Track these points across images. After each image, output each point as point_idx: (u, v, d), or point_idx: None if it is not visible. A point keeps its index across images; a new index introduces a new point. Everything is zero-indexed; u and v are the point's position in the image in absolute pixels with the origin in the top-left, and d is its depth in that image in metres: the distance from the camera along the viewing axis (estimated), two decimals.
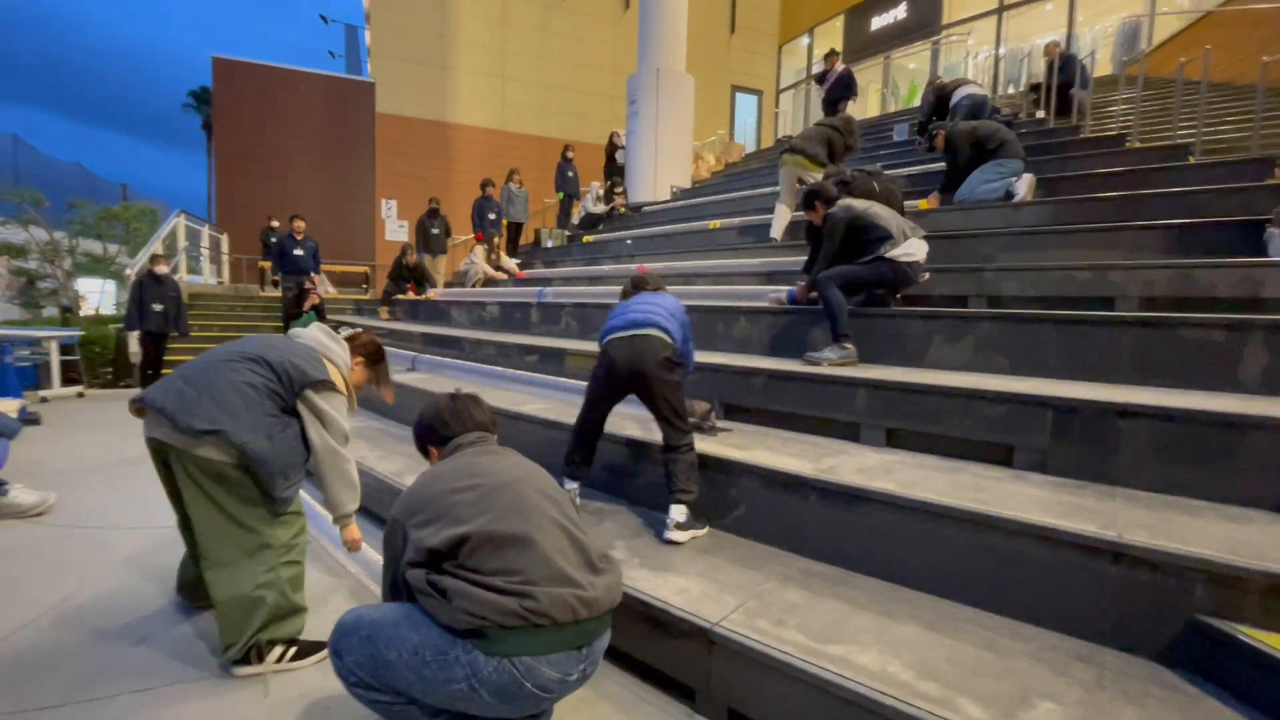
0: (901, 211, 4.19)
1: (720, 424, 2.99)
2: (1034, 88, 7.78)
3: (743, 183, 9.98)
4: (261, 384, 1.93)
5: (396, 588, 1.51)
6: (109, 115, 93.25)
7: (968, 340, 2.90)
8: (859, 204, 3.46)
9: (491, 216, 9.89)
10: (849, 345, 3.07)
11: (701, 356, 3.33)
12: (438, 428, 1.77)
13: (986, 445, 2.34)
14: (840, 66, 9.16)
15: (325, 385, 2.01)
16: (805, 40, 16.65)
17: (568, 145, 11.26)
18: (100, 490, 3.78)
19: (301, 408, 1.99)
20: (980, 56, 12.09)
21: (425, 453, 1.84)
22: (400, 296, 8.25)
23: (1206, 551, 1.50)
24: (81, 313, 9.37)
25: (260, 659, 1.92)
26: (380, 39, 13.54)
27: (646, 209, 9.92)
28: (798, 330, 3.53)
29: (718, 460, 2.40)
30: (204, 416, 1.81)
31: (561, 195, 11.19)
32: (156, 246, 7.97)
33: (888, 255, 3.23)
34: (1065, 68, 7.03)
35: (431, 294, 8.30)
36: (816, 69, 16.44)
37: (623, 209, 10.29)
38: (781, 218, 5.80)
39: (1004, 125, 5.23)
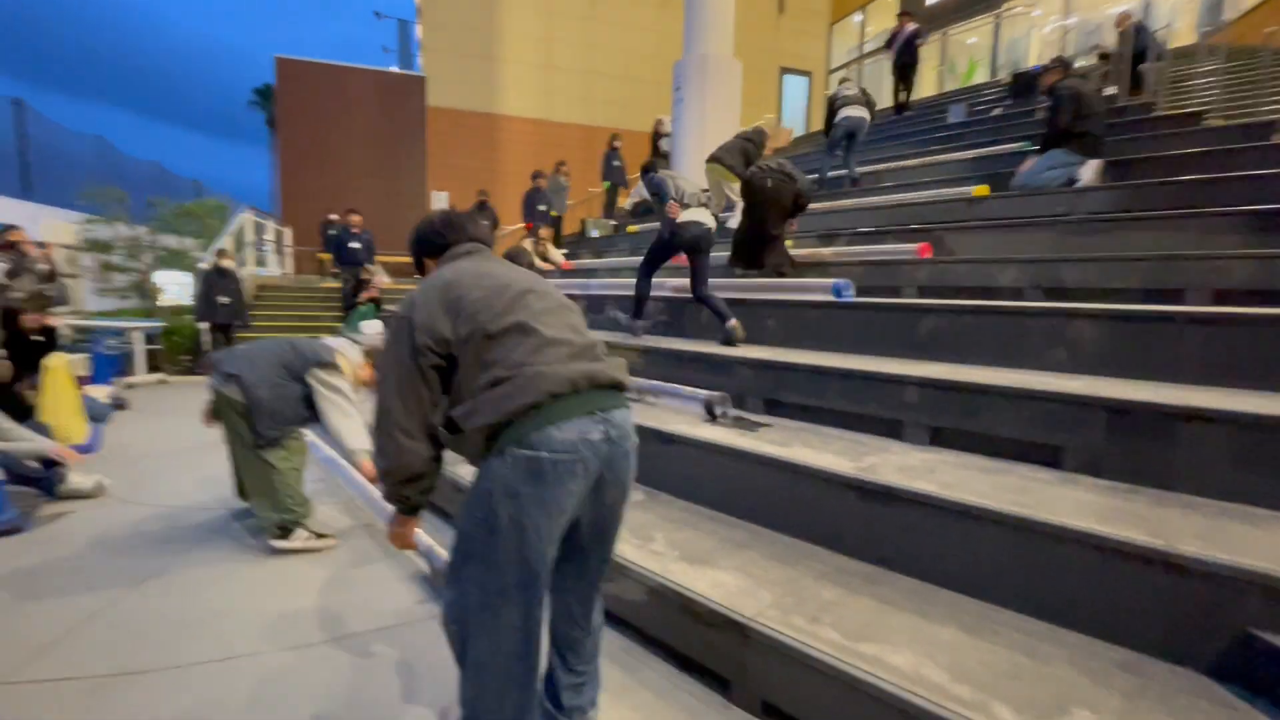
0: (787, 211, 4.72)
1: (759, 419, 3.01)
2: (1103, 56, 7.32)
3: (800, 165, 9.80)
4: (278, 355, 2.90)
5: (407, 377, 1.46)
6: (179, 113, 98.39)
7: (1021, 336, 2.82)
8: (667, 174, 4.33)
9: (541, 208, 10.04)
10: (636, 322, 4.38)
11: (739, 350, 3.35)
12: (432, 237, 1.73)
13: (1035, 446, 2.28)
14: (910, 26, 8.91)
15: (330, 366, 2.92)
16: (858, 18, 16.09)
17: (615, 134, 11.28)
18: (176, 472, 4.08)
19: (310, 379, 2.89)
20: (1047, 29, 11.43)
21: (420, 266, 1.80)
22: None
23: (1262, 564, 1.45)
24: (159, 302, 10.04)
25: (288, 537, 2.85)
26: (431, 34, 13.83)
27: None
28: (839, 325, 3.50)
29: (757, 456, 2.43)
30: (233, 366, 2.82)
31: (608, 185, 11.24)
32: (224, 242, 8.45)
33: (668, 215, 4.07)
34: (1137, 38, 6.61)
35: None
36: (870, 47, 15.92)
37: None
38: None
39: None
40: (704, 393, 3.12)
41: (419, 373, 1.44)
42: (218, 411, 2.90)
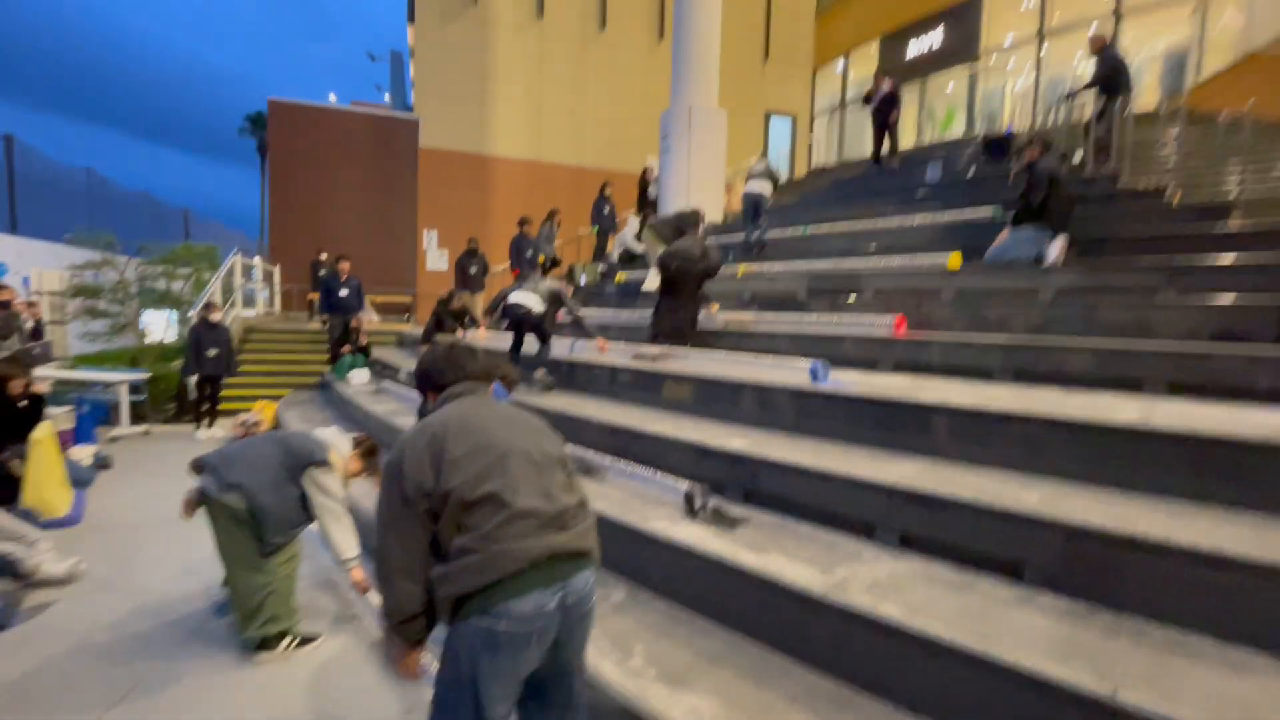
0: (693, 288, 5.65)
1: (738, 512, 3.10)
2: (1070, 95, 7.49)
3: (773, 219, 10.04)
4: (275, 457, 2.84)
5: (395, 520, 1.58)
6: (172, 135, 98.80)
7: (989, 434, 2.94)
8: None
9: (529, 254, 10.20)
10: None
11: (719, 440, 3.44)
12: (434, 375, 1.90)
13: (997, 558, 2.39)
14: (886, 85, 9.25)
15: (324, 465, 2.86)
16: (840, 65, 16.62)
17: (606, 181, 11.50)
18: (158, 549, 4.06)
19: (305, 483, 2.84)
20: (1018, 85, 11.90)
21: (424, 395, 1.97)
22: (440, 336, 8.56)
23: (1198, 717, 1.54)
24: (146, 341, 10.02)
25: (272, 649, 2.82)
26: (424, 77, 14.11)
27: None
28: (815, 410, 3.61)
29: (733, 568, 2.51)
30: (234, 474, 2.75)
31: (596, 229, 11.43)
32: (215, 293, 8.50)
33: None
34: (1103, 65, 6.63)
35: (481, 334, 8.59)
36: (852, 93, 16.42)
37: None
38: (652, 277, 7.11)
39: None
40: (685, 483, 3.21)
41: (414, 518, 1.56)
42: (201, 506, 2.80)
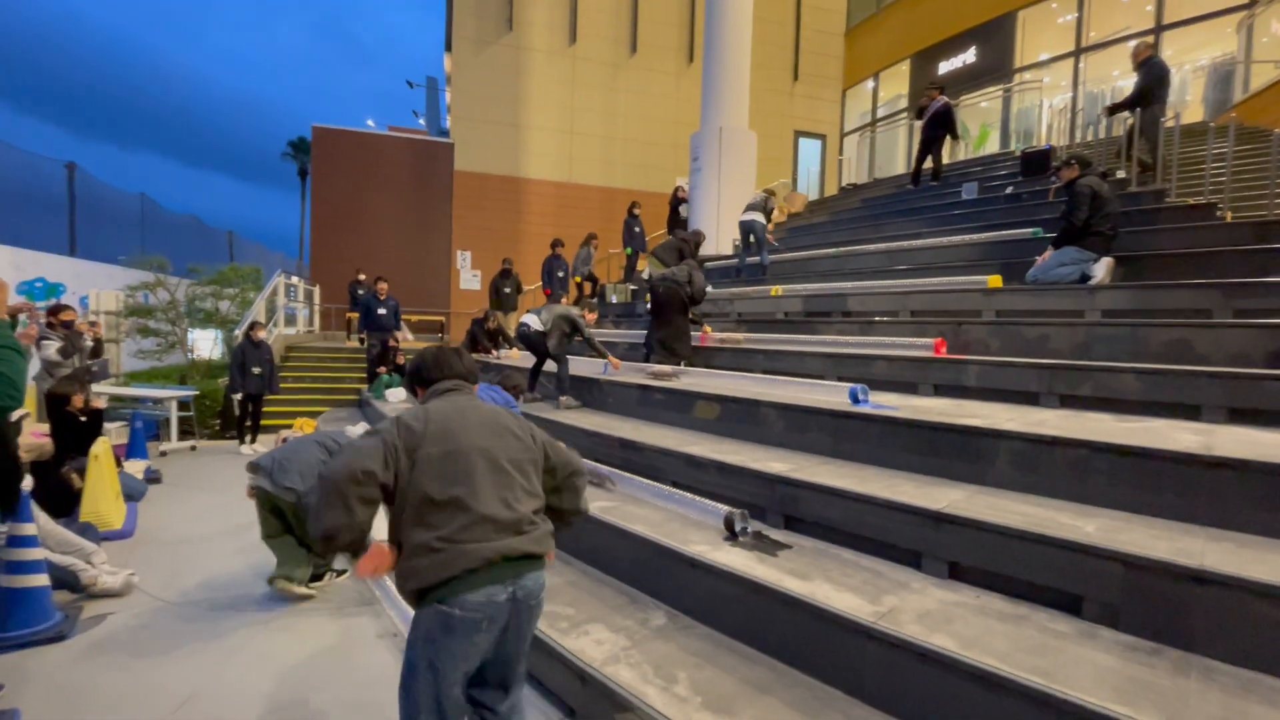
0: (679, 309, 6.06)
1: (779, 536, 3.07)
2: (1111, 110, 7.23)
3: (806, 239, 10.03)
4: (319, 460, 3.47)
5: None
6: (219, 161, 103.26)
7: (1040, 461, 2.87)
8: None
9: (560, 275, 10.33)
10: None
11: (759, 462, 3.42)
12: (423, 373, 2.07)
13: (1053, 590, 2.32)
14: (940, 100, 9.10)
15: None
16: (870, 84, 16.61)
17: (635, 201, 11.62)
18: (206, 562, 4.18)
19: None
20: (1056, 101, 11.73)
21: (413, 393, 2.13)
22: (475, 356, 8.71)
23: None
24: (193, 356, 10.39)
25: (322, 579, 3.77)
26: (459, 102, 14.51)
27: (707, 265, 10.09)
28: (854, 433, 3.57)
29: (778, 594, 2.48)
30: (287, 479, 3.47)
31: (629, 250, 11.53)
32: (259, 311, 8.80)
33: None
34: (1153, 73, 6.46)
35: (514, 353, 8.72)
36: (883, 111, 16.38)
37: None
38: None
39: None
40: (724, 508, 3.19)
41: (375, 489, 1.70)
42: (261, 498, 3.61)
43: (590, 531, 3.47)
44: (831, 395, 4.04)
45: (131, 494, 5.15)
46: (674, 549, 2.92)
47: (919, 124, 9.68)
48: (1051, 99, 11.93)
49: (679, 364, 5.87)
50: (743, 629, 2.62)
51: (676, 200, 11.77)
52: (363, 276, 11.96)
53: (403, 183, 14.44)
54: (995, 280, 5.38)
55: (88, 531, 3.92)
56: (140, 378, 9.48)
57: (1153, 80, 6.28)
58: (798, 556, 2.84)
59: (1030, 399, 3.89)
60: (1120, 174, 7.00)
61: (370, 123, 25.04)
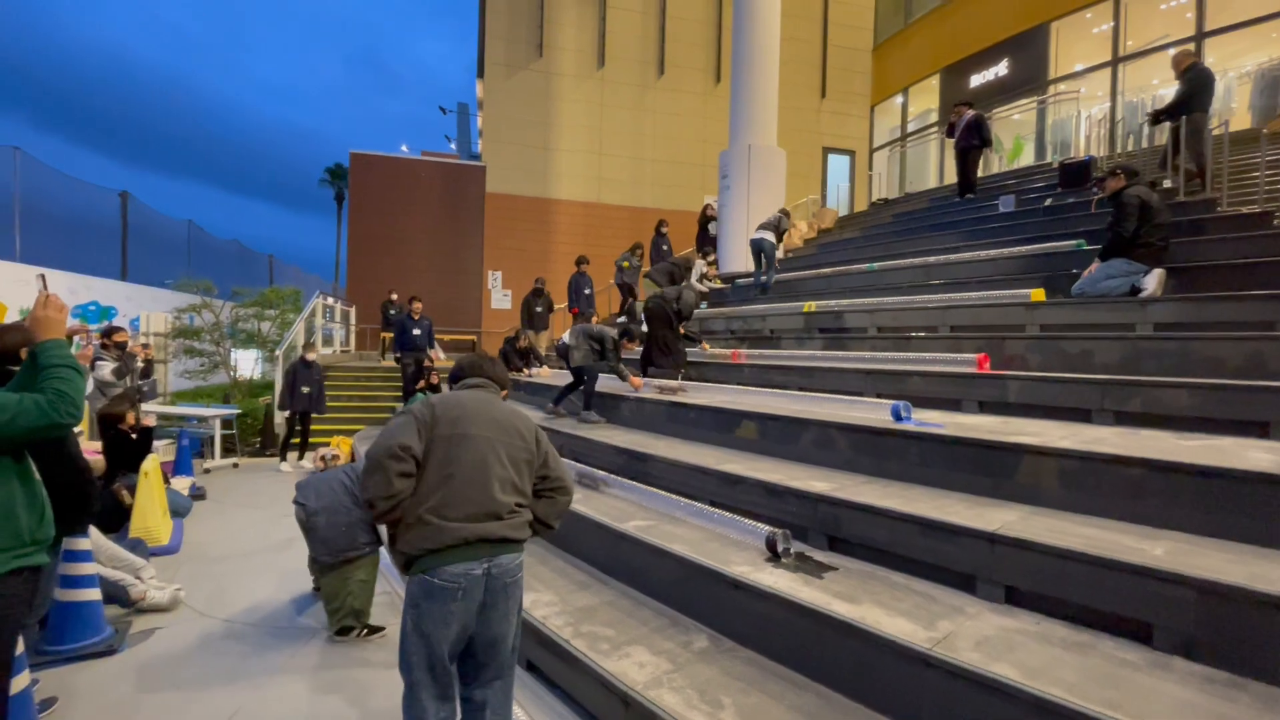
0: (669, 325, 6.45)
1: (823, 557, 2.99)
2: (1155, 118, 7.00)
3: (837, 255, 9.94)
4: (347, 489, 3.45)
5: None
6: (259, 188, 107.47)
7: (1099, 481, 2.75)
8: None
9: (586, 292, 10.40)
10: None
11: (800, 481, 3.35)
12: (459, 374, 2.36)
13: (1121, 619, 2.20)
14: (969, 114, 8.97)
15: None
16: (899, 99, 16.52)
17: (662, 220, 11.68)
18: (251, 579, 4.24)
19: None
20: (1094, 111, 11.48)
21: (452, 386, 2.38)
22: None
23: None
24: (236, 375, 10.69)
25: (347, 636, 3.40)
26: (491, 126, 14.85)
27: (739, 281, 10.07)
28: (901, 452, 3.47)
29: (826, 618, 2.40)
30: (301, 494, 3.47)
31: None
32: (300, 333, 9.04)
33: None
34: (1189, 83, 6.28)
35: (545, 371, 8.78)
36: (912, 126, 16.25)
37: (716, 281, 10.50)
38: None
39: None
40: (765, 528, 3.12)
41: (408, 462, 1.96)
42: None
43: (628, 551, 3.43)
44: (871, 412, 3.95)
45: (178, 510, 5.28)
46: (715, 569, 2.87)
47: (950, 141, 9.55)
48: (1089, 109, 11.68)
49: (674, 376, 6.27)
50: (789, 653, 2.54)
51: (705, 218, 11.81)
52: (394, 297, 12.20)
53: (435, 205, 14.77)
54: (1038, 294, 5.24)
55: (137, 547, 4.02)
56: (186, 397, 9.78)
57: (1195, 87, 6.11)
58: (844, 579, 2.76)
59: (1082, 416, 3.75)
60: (1167, 183, 6.79)
61: (404, 148, 25.79)
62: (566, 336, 6.09)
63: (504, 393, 2.39)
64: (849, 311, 6.58)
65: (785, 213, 9.26)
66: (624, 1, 15.34)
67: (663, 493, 3.98)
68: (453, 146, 28.26)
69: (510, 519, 2.03)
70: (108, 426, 4.96)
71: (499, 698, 2.10)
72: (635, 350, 6.64)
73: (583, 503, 4.00)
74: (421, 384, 8.90)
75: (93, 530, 3.58)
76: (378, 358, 12.56)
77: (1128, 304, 4.63)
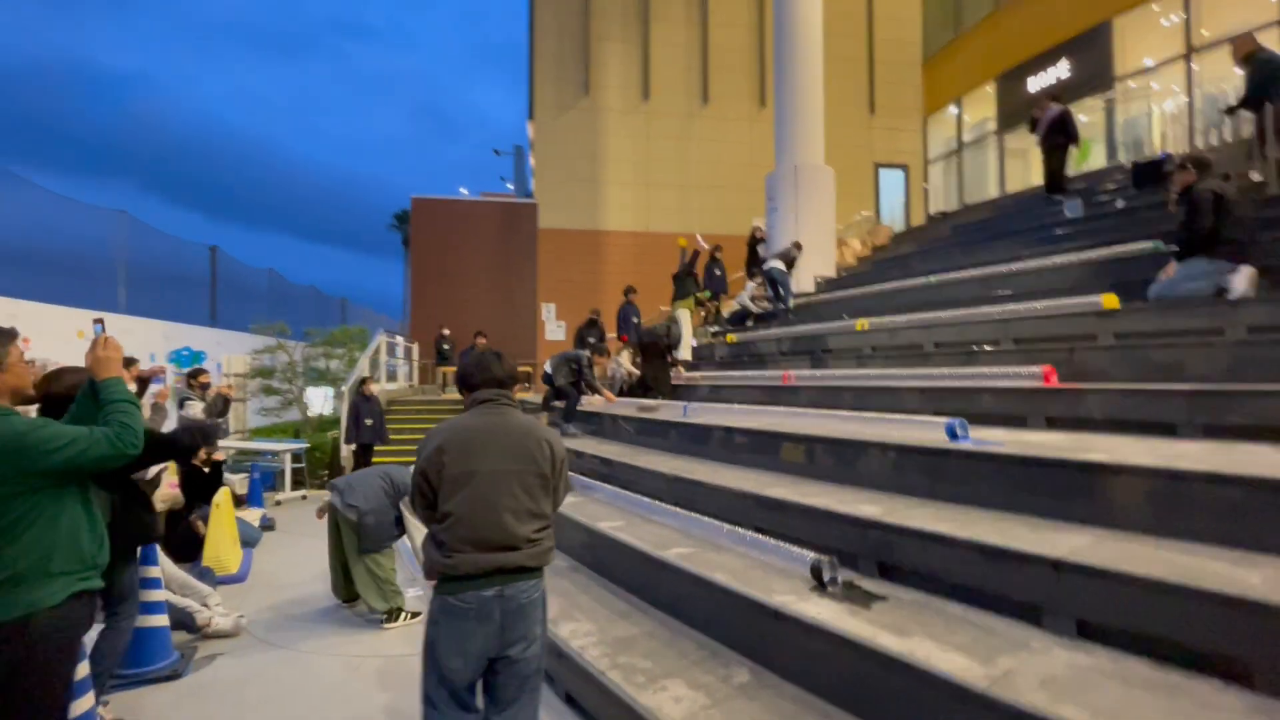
0: (660, 355, 7.85)
1: (872, 586, 2.81)
2: (1230, 110, 6.58)
3: (892, 271, 9.62)
4: (382, 488, 4.20)
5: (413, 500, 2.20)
6: (333, 235, 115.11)
7: (1184, 502, 2.47)
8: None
9: (635, 320, 10.45)
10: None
11: (847, 505, 3.18)
12: (466, 377, 2.30)
13: (1215, 656, 1.94)
14: (1054, 109, 8.50)
15: None
16: (953, 110, 16.05)
17: (717, 245, 11.65)
18: (311, 607, 4.38)
19: (403, 507, 4.23)
20: (1169, 107, 10.78)
21: (461, 392, 2.36)
22: (556, 404, 8.85)
23: None
24: (309, 414, 11.27)
25: (395, 619, 4.06)
26: (542, 164, 15.38)
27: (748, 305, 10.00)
28: (957, 473, 3.25)
29: (874, 652, 2.24)
30: (353, 498, 4.13)
31: (708, 294, 11.51)
32: (366, 369, 9.48)
33: None
34: (1257, 71, 5.81)
35: (596, 400, 8.83)
36: (969, 137, 15.72)
37: (765, 303, 10.35)
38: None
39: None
40: (810, 554, 2.97)
41: (421, 498, 2.13)
42: (331, 516, 4.28)
43: (668, 580, 3.34)
44: (925, 432, 3.73)
45: (248, 540, 5.55)
46: (756, 599, 2.74)
47: (1035, 137, 9.01)
48: (1162, 105, 10.97)
49: (657, 398, 7.19)
50: (835, 689, 2.38)
51: (754, 240, 11.70)
52: (446, 332, 12.64)
53: (491, 243, 15.35)
54: (1111, 300, 4.86)
55: (205, 575, 4.24)
56: (262, 433, 10.38)
57: (1266, 74, 5.66)
58: (895, 609, 2.57)
59: (1165, 430, 3.40)
60: (1255, 176, 6.24)
61: (463, 191, 27.04)
62: (547, 365, 7.18)
63: (515, 390, 2.35)
64: (904, 328, 6.31)
65: (797, 245, 9.87)
66: (667, 36, 15.70)
67: (705, 518, 3.87)
68: (510, 187, 29.40)
69: (529, 548, 2.08)
70: (183, 462, 5.29)
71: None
72: (602, 364, 8.01)
73: (625, 530, 3.94)
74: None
75: (163, 558, 3.80)
76: (438, 391, 12.99)
77: (1215, 306, 4.23)
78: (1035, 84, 13.36)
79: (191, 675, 3.33)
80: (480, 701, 2.10)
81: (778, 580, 2.96)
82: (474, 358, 2.33)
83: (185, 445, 3.03)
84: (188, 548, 4.92)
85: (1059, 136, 8.52)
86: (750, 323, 10.04)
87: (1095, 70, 12.23)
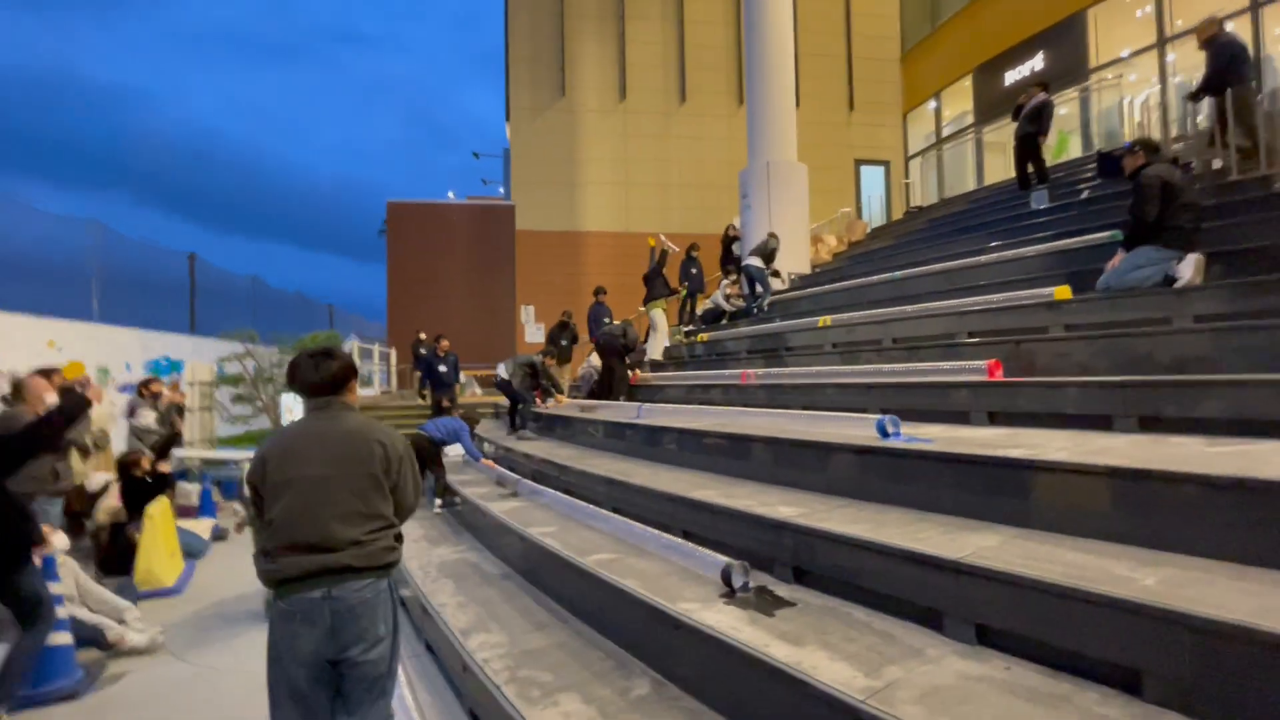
0: (619, 355, 7.88)
1: (787, 591, 2.69)
2: (1192, 97, 6.50)
3: (863, 267, 9.52)
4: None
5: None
6: (326, 241, 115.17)
7: (1099, 498, 2.35)
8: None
9: (606, 320, 10.32)
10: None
11: (766, 506, 3.06)
12: (293, 375, 2.25)
13: (1106, 663, 1.83)
14: (1039, 96, 8.25)
15: None
16: (931, 105, 15.96)
17: (694, 243, 11.53)
18: (236, 625, 4.25)
19: None
20: (1142, 97, 10.67)
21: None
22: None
23: None
24: (282, 422, 11.14)
25: None
26: (519, 166, 15.29)
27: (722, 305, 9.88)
28: (880, 472, 3.13)
29: (761, 661, 2.12)
30: None
31: (685, 291, 11.39)
32: None
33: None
34: (1217, 55, 5.77)
35: (560, 400, 8.71)
36: (949, 130, 15.63)
37: (739, 301, 10.24)
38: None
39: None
40: (723, 559, 2.85)
41: (252, 502, 2.20)
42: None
43: (589, 588, 3.22)
44: (858, 429, 3.62)
45: (191, 551, 5.43)
46: (659, 607, 2.61)
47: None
48: (1137, 95, 10.88)
49: (617, 399, 7.24)
50: (727, 702, 2.26)
51: (729, 239, 11.59)
52: (423, 336, 12.52)
53: (469, 246, 15.25)
54: (1063, 291, 4.76)
55: (124, 590, 4.11)
56: (232, 441, 10.25)
57: (1226, 59, 5.58)
58: (800, 616, 2.46)
59: (1103, 423, 3.30)
60: (1218, 163, 6.14)
61: (451, 194, 26.92)
62: (501, 370, 7.29)
63: (351, 391, 2.28)
64: (862, 324, 6.21)
65: (773, 235, 9.63)
66: (643, 35, 15.61)
67: (635, 523, 3.75)
68: (501, 191, 29.30)
69: (355, 549, 2.06)
70: (123, 472, 5.17)
71: None
72: (553, 365, 8.28)
73: (555, 536, 3.82)
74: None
75: (78, 573, 3.68)
76: (415, 395, 12.85)
77: (1163, 295, 4.12)
78: (1012, 76, 13.29)
79: (93, 694, 3.21)
80: (328, 706, 2.07)
81: (691, 587, 2.84)
82: (299, 358, 2.25)
83: (45, 434, 2.86)
84: (124, 560, 4.80)
85: (1030, 125, 8.36)
86: (725, 321, 9.93)
87: (1071, 62, 12.16)
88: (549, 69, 15.20)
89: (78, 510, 5.27)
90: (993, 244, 7.02)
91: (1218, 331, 3.48)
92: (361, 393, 11.65)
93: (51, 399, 4.43)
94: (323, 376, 2.18)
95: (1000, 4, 13.58)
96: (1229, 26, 6.39)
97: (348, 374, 2.25)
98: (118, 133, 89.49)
